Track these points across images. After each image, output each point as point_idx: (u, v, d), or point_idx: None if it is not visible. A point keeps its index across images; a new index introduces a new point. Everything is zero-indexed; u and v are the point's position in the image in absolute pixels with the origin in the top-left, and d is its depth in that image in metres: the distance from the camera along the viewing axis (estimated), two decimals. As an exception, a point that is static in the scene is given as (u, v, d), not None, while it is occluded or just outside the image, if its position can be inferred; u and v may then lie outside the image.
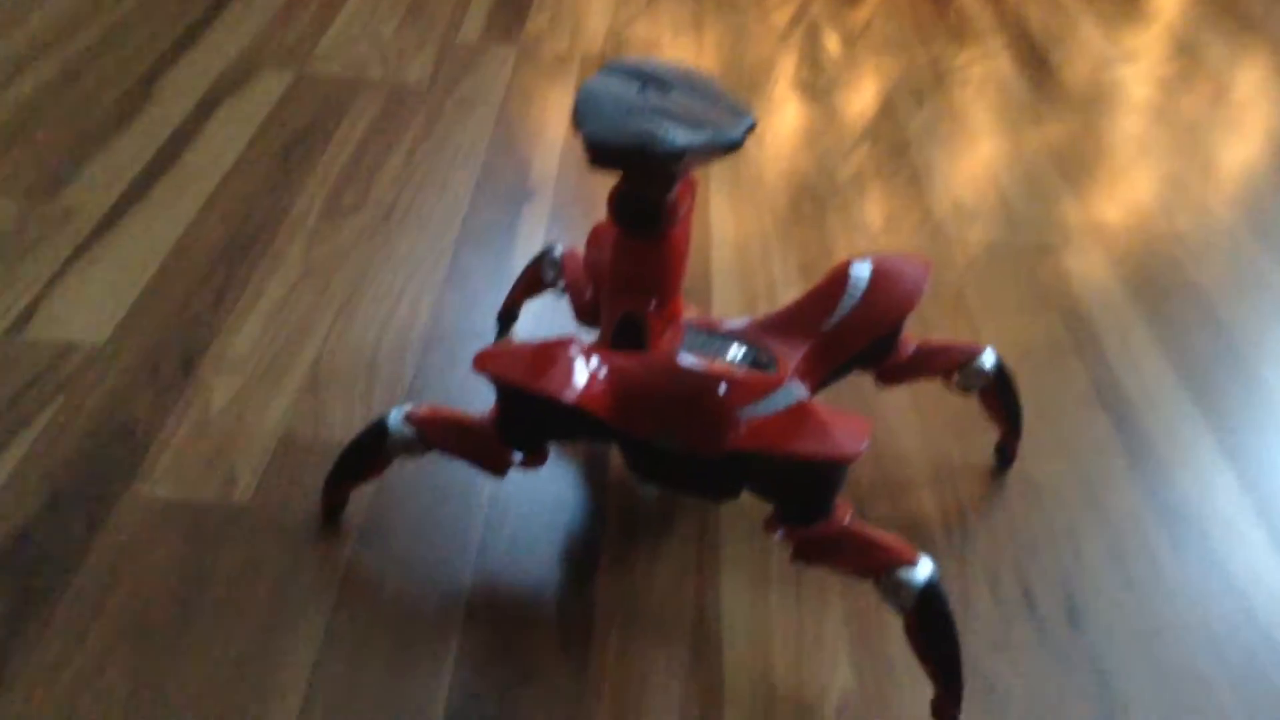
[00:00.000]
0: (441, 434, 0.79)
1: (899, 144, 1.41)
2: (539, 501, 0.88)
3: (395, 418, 0.80)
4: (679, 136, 0.73)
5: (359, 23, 1.62)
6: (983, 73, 1.61)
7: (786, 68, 1.59)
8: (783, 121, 1.45)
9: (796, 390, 0.76)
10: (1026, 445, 0.97)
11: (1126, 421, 1.01)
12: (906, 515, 0.90)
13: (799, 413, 0.74)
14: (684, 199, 0.80)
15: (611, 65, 0.81)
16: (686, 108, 0.77)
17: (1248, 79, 1.65)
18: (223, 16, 1.60)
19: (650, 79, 0.79)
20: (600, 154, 0.73)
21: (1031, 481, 0.94)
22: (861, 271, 0.86)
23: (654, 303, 0.82)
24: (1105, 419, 1.01)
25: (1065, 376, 1.05)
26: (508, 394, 0.77)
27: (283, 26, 1.59)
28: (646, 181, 0.77)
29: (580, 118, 0.74)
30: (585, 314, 0.94)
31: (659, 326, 0.83)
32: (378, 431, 0.80)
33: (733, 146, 0.75)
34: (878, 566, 0.71)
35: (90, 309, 1.04)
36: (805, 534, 0.73)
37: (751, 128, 0.77)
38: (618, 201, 0.79)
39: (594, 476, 0.91)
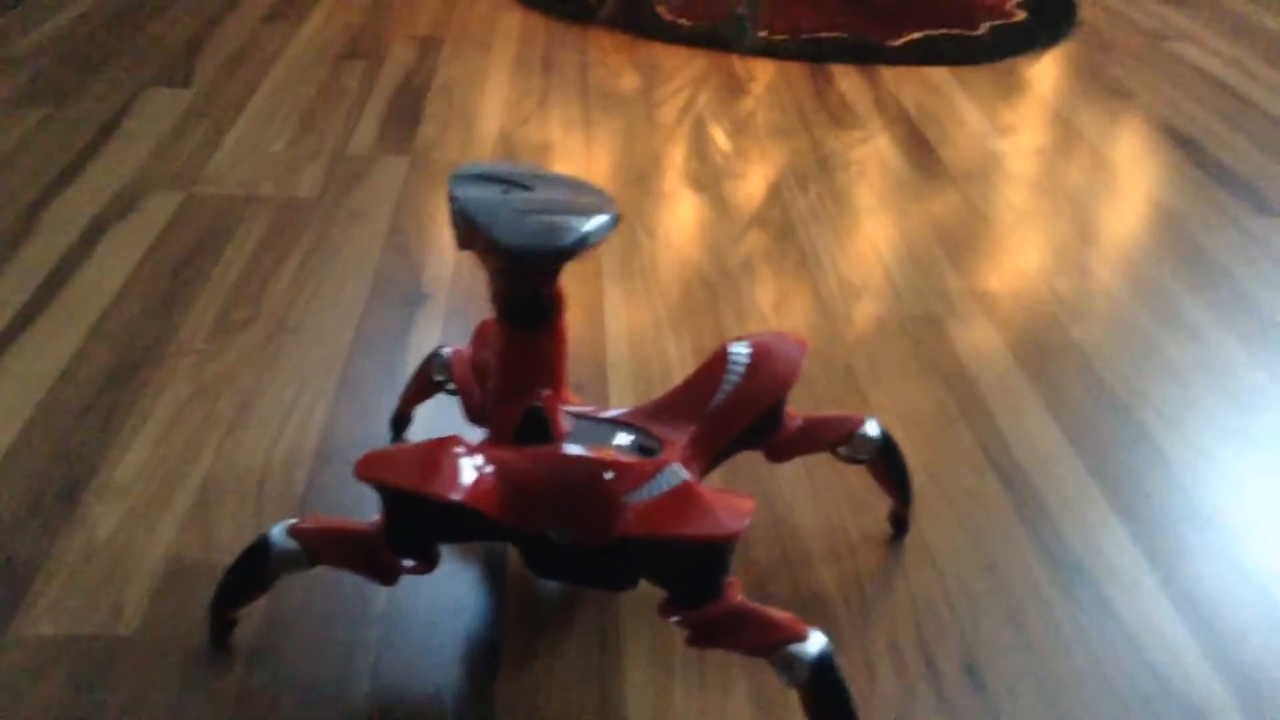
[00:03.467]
0: (326, 546, 0.78)
1: (786, 228, 1.44)
2: (437, 606, 0.87)
3: (278, 533, 0.78)
4: (582, 225, 0.75)
5: (248, 141, 1.62)
6: (864, 154, 1.66)
7: (675, 160, 1.62)
8: (673, 213, 1.48)
9: (680, 472, 0.76)
10: (920, 512, 0.98)
11: (1016, 482, 1.02)
12: (806, 589, 0.90)
13: (682, 494, 0.74)
14: (561, 287, 0.81)
15: (461, 174, 0.82)
16: (561, 200, 0.78)
17: (1124, 145, 1.72)
18: (108, 145, 1.60)
19: (506, 180, 0.81)
20: (522, 258, 0.75)
21: (927, 548, 0.94)
22: (740, 353, 0.87)
23: (549, 393, 0.82)
24: (996, 482, 1.02)
25: (954, 442, 1.07)
26: (393, 499, 0.76)
27: (170, 151, 1.59)
28: (539, 276, 0.79)
29: (485, 229, 0.75)
30: (476, 414, 0.94)
31: (559, 416, 0.83)
32: (260, 548, 0.78)
33: (616, 223, 0.78)
34: (770, 644, 0.71)
35: (-31, 445, 1.02)
36: (697, 617, 0.72)
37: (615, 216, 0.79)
38: (509, 299, 0.80)
39: (492, 576, 0.90)
